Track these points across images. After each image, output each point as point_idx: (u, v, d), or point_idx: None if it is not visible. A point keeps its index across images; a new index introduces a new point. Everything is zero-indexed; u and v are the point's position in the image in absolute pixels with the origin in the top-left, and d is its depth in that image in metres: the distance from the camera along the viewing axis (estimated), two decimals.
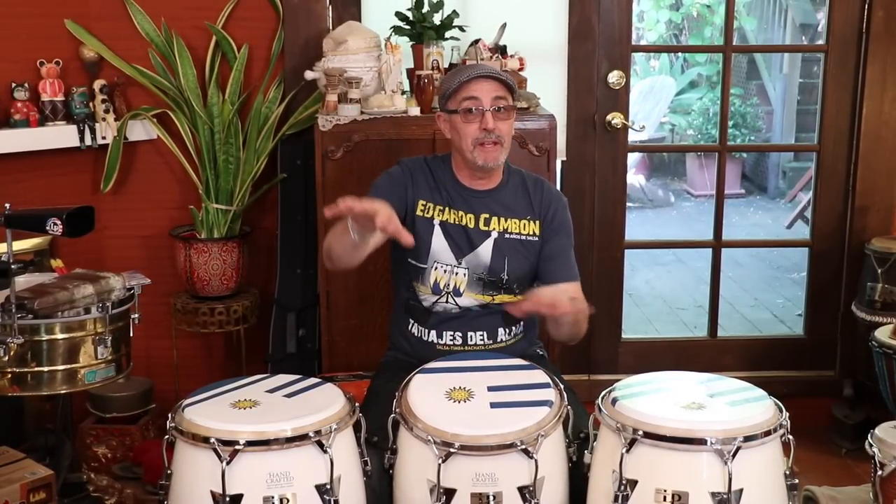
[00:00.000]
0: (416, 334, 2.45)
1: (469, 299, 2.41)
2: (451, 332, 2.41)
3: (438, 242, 2.40)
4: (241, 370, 3.33)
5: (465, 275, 2.40)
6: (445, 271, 2.40)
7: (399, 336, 2.52)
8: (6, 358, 2.14)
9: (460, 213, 2.42)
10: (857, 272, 3.47)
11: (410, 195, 2.41)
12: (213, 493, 1.85)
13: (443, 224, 2.41)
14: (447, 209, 2.42)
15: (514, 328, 2.46)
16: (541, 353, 2.57)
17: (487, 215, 2.42)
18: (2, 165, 3.05)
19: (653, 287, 5.78)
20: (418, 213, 2.41)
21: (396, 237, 2.07)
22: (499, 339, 2.43)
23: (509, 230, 2.42)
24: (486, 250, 2.40)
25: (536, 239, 2.43)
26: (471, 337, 2.41)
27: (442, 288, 2.41)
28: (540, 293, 2.20)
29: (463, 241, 2.41)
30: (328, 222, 2.96)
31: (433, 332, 2.42)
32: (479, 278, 2.40)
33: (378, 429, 2.05)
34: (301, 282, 3.34)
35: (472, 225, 2.41)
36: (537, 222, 2.44)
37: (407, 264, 2.43)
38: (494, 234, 2.41)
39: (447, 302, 2.41)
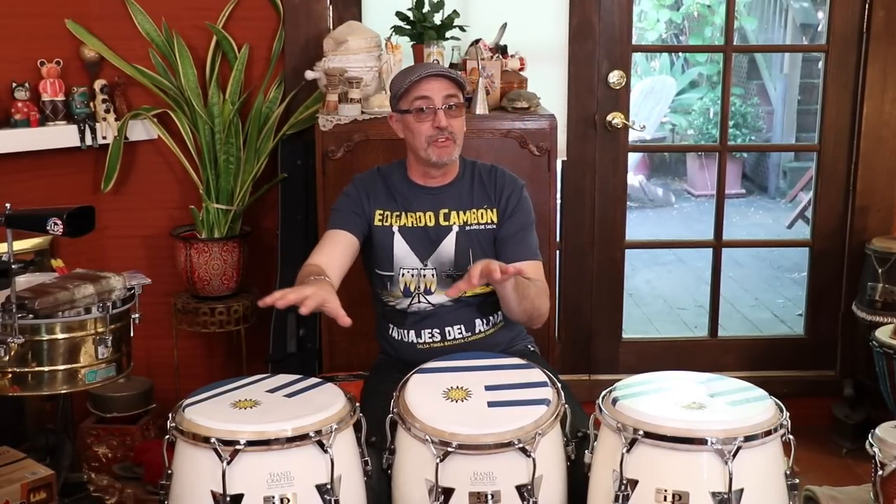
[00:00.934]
0: (396, 337, 2.47)
1: (441, 296, 2.41)
2: (430, 330, 2.42)
3: (400, 248, 2.42)
4: (241, 370, 3.33)
5: (433, 275, 2.41)
6: (413, 275, 2.41)
7: (382, 340, 2.54)
8: (7, 358, 2.14)
9: (418, 213, 2.43)
10: (857, 272, 3.47)
11: (367, 209, 2.44)
12: (213, 493, 1.85)
13: (402, 229, 2.42)
14: (404, 214, 2.43)
15: (491, 318, 2.46)
16: (532, 349, 2.57)
17: (447, 210, 2.43)
18: (2, 165, 3.06)
19: (653, 287, 5.79)
20: (376, 223, 2.43)
21: (335, 319, 2.07)
22: (477, 331, 2.44)
23: (469, 222, 2.43)
24: (449, 245, 2.41)
25: (494, 226, 2.44)
26: (449, 332, 2.42)
27: (412, 291, 2.42)
28: (470, 268, 2.15)
29: (425, 243, 2.42)
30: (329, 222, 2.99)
31: (412, 332, 2.43)
32: (447, 276, 2.41)
33: (375, 429, 2.05)
34: None
35: (431, 223, 2.43)
36: (495, 210, 2.45)
37: (375, 274, 2.45)
38: (455, 229, 2.42)
39: (420, 302, 2.42)
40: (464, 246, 2.41)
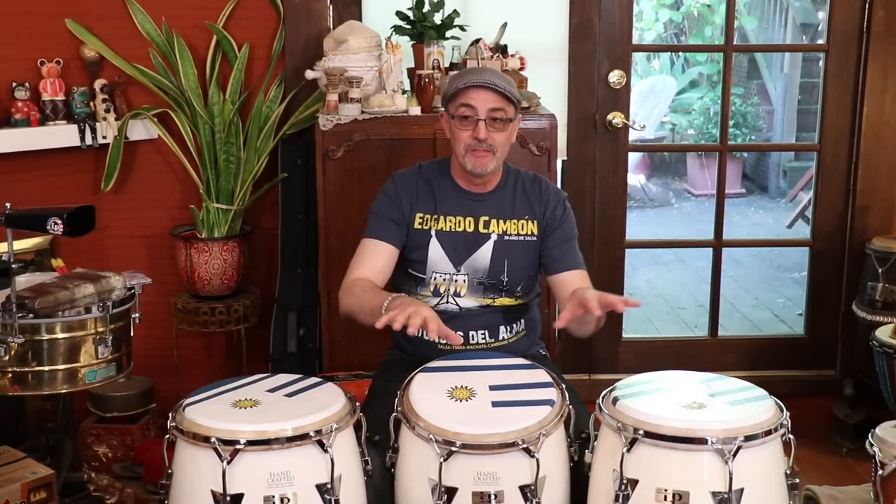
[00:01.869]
0: (416, 333, 2.44)
1: (470, 301, 2.41)
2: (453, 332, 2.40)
3: (435, 252, 2.40)
4: (241, 370, 3.33)
5: (464, 281, 2.40)
6: (445, 279, 2.40)
7: (400, 336, 2.51)
8: (7, 357, 2.14)
9: (458, 218, 2.42)
10: (857, 272, 3.47)
11: (407, 213, 2.42)
12: (213, 493, 1.85)
13: (438, 233, 2.41)
14: (443, 217, 2.42)
15: (514, 326, 2.46)
16: (543, 353, 2.57)
17: (487, 218, 2.42)
18: (2, 165, 3.06)
19: (653, 286, 5.78)
20: (416, 226, 2.42)
21: (447, 339, 2.14)
22: (500, 338, 2.43)
23: (508, 232, 2.42)
24: (485, 253, 2.40)
25: (535, 239, 2.43)
26: (472, 336, 2.41)
27: (442, 293, 2.41)
28: (583, 298, 2.12)
29: (461, 248, 2.41)
30: (329, 222, 3.00)
31: None
32: (479, 283, 2.40)
33: (379, 427, 2.05)
34: (302, 281, 3.34)
35: (471, 228, 2.42)
36: (535, 222, 2.44)
37: (407, 273, 2.44)
38: (494, 237, 2.41)
39: (448, 303, 2.41)
40: (500, 255, 2.40)
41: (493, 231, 2.42)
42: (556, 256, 2.41)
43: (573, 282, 2.37)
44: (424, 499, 1.92)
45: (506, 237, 2.42)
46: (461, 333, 2.39)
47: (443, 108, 2.44)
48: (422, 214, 2.42)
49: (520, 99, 2.40)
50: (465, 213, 2.42)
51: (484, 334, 2.42)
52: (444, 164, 2.48)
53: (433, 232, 2.41)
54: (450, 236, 2.41)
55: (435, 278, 2.40)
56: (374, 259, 2.38)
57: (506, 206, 2.43)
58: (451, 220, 2.42)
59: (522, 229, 2.43)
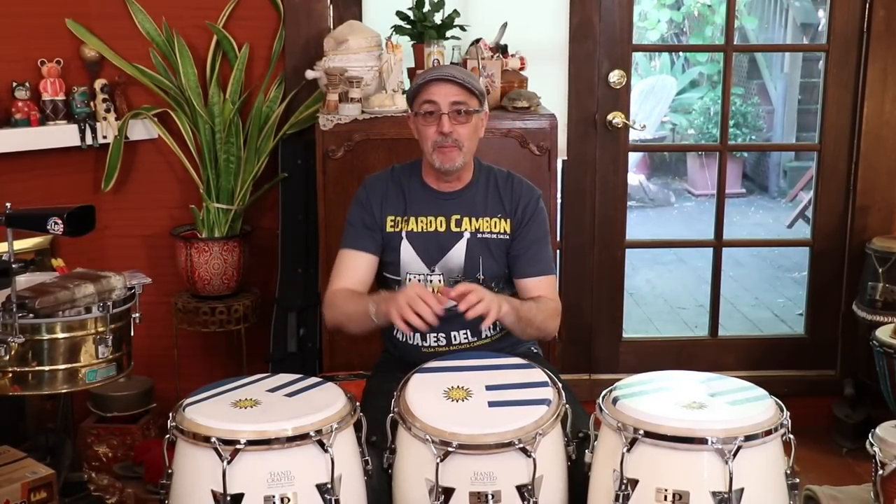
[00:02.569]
0: (400, 338, 2.45)
1: (448, 302, 2.38)
2: (435, 334, 2.40)
3: (407, 254, 2.40)
4: (241, 369, 3.33)
5: (440, 281, 2.39)
6: (420, 280, 2.39)
7: (386, 340, 2.53)
8: (7, 357, 2.14)
9: (429, 218, 2.41)
10: (857, 271, 3.47)
11: (379, 218, 2.41)
12: (213, 493, 1.85)
13: (409, 234, 2.40)
14: (413, 218, 2.41)
15: (498, 323, 2.45)
16: (535, 350, 2.56)
17: (459, 216, 2.41)
18: (2, 165, 3.06)
19: (654, 286, 5.79)
20: (388, 229, 2.41)
21: (452, 298, 2.18)
22: (483, 336, 2.43)
23: (481, 229, 2.41)
24: (458, 252, 2.39)
25: (507, 237, 2.41)
26: (454, 336, 2.41)
27: None
28: (461, 285, 2.20)
29: (433, 248, 2.40)
30: (328, 222, 2.99)
31: (417, 335, 2.41)
32: (455, 282, 2.37)
33: (375, 428, 2.04)
34: (302, 281, 3.34)
35: (443, 228, 2.41)
36: (508, 220, 2.42)
37: (382, 276, 2.45)
38: (467, 235, 2.40)
39: None
40: (474, 253, 2.39)
41: (466, 229, 2.40)
42: (522, 260, 2.40)
43: (537, 288, 2.36)
44: (422, 499, 1.92)
45: (479, 235, 2.40)
46: (443, 335, 2.40)
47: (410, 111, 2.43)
48: (392, 217, 2.42)
49: (483, 91, 2.40)
50: (435, 212, 2.41)
51: (466, 334, 2.41)
52: (415, 165, 2.48)
53: (404, 234, 2.40)
54: (421, 237, 2.40)
55: (410, 280, 2.40)
56: (353, 269, 2.39)
57: (477, 204, 2.42)
58: (422, 221, 2.41)
59: (495, 227, 2.41)
